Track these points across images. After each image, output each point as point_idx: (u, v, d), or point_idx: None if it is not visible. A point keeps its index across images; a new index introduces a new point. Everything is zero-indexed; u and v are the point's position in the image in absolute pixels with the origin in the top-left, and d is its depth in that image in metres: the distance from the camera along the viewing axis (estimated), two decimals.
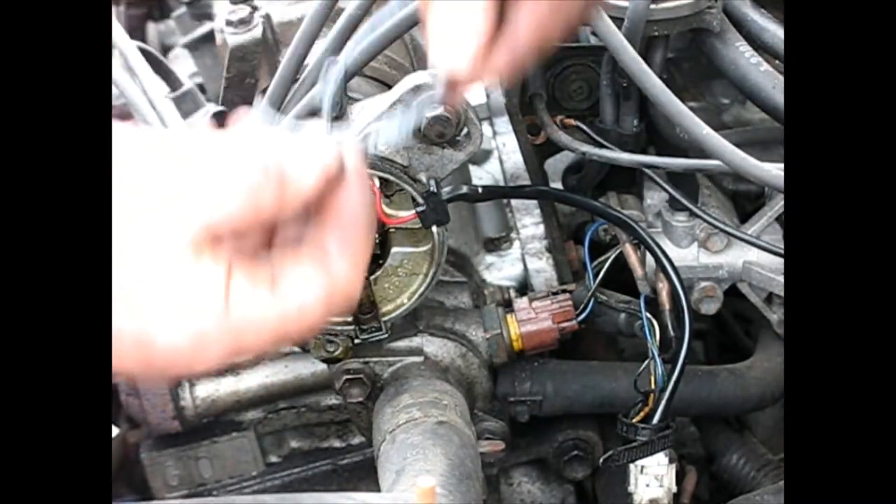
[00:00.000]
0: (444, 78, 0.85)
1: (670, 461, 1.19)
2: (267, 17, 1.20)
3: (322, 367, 1.34)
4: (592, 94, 1.29)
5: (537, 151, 1.34)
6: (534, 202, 1.36)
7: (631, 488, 1.20)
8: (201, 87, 1.61)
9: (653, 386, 1.18)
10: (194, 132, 0.91)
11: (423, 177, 1.05)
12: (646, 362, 1.19)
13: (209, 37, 1.63)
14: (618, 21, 1.14)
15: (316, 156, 0.80)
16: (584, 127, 1.27)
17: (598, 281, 1.26)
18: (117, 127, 0.83)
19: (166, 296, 0.77)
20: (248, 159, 0.79)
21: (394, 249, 1.14)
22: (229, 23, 1.17)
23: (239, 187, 0.77)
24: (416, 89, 0.99)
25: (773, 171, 1.03)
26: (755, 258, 1.29)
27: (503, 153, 1.43)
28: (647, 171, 1.26)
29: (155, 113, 1.24)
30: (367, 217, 0.83)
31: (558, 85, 1.30)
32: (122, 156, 0.81)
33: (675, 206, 1.29)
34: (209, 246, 0.77)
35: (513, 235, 1.36)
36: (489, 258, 1.36)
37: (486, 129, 1.41)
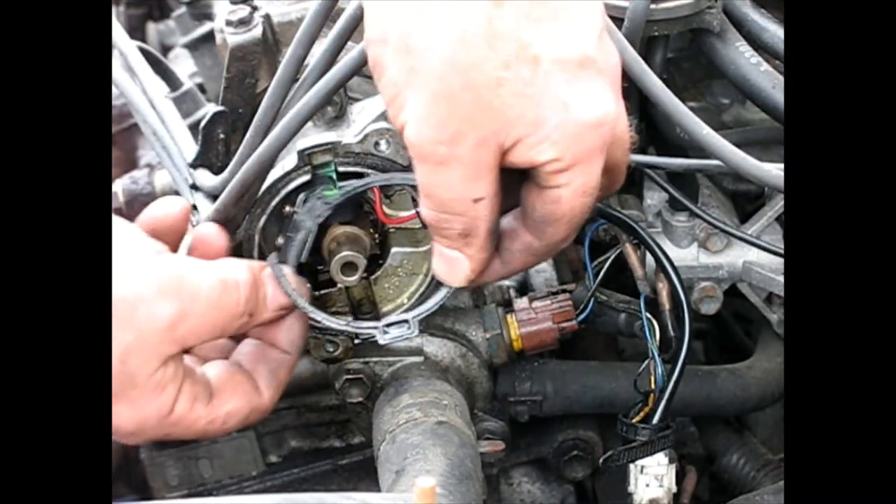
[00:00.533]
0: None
1: (670, 461, 1.19)
2: (267, 17, 1.20)
3: (322, 367, 1.34)
4: None
5: None
6: None
7: (631, 488, 1.20)
8: (201, 87, 1.62)
9: (653, 386, 1.18)
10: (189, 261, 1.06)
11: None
12: (646, 362, 1.19)
13: (209, 37, 1.64)
14: (618, 21, 1.14)
15: (278, 295, 1.07)
16: None
17: (598, 281, 1.26)
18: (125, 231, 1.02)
19: (128, 388, 1.00)
20: (231, 301, 1.03)
21: (394, 249, 1.14)
22: (229, 23, 1.17)
23: (218, 323, 1.02)
24: None
25: (773, 171, 1.03)
26: (755, 258, 1.29)
27: None
28: (647, 171, 1.26)
29: (155, 113, 1.24)
30: (297, 351, 1.12)
31: None
32: (126, 269, 0.98)
33: (675, 206, 1.29)
34: (174, 361, 1.01)
35: None
36: None
37: None
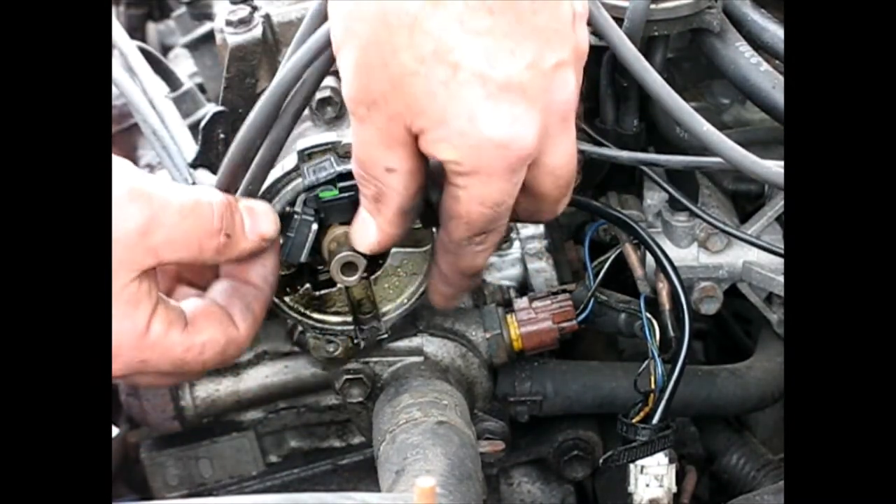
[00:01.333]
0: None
1: (670, 461, 1.19)
2: (267, 17, 1.20)
3: (322, 366, 1.34)
4: (592, 94, 1.29)
5: None
6: None
7: (631, 488, 1.20)
8: (201, 87, 1.61)
9: (653, 386, 1.18)
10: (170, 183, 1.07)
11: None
12: (646, 362, 1.19)
13: (209, 37, 1.63)
14: (618, 21, 1.13)
15: (258, 223, 1.06)
16: (585, 126, 1.27)
17: (598, 281, 1.26)
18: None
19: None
20: (205, 215, 1.01)
21: (394, 249, 1.14)
22: (229, 23, 1.17)
23: (192, 237, 1.01)
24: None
25: (773, 168, 1.03)
26: (755, 258, 1.29)
27: None
28: (647, 170, 1.26)
29: (155, 113, 1.24)
30: (271, 287, 1.10)
31: None
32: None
33: (675, 206, 1.29)
34: (147, 278, 1.00)
35: (513, 235, 1.36)
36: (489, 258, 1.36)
37: None
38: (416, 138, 0.95)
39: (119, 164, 1.00)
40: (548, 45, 0.92)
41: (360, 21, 0.91)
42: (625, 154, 1.21)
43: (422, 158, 0.97)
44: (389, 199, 1.00)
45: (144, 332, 1.00)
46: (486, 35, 0.90)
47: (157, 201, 1.00)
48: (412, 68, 0.90)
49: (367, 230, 1.04)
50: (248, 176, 1.06)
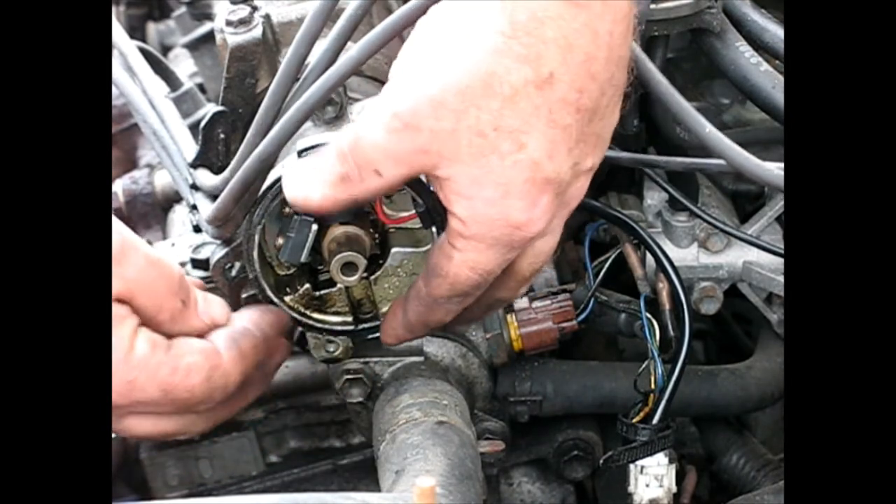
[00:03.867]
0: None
1: (670, 461, 1.19)
2: (267, 17, 1.20)
3: (322, 367, 1.34)
4: None
5: None
6: None
7: (631, 488, 1.20)
8: (201, 87, 1.62)
9: (653, 386, 1.18)
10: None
11: (423, 177, 1.05)
12: (646, 362, 1.19)
13: (209, 37, 1.63)
14: None
15: (211, 307, 1.09)
16: None
17: (598, 281, 1.26)
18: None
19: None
20: (167, 272, 1.04)
21: (394, 249, 1.14)
22: (229, 23, 1.17)
23: (156, 287, 1.02)
24: None
25: (774, 170, 1.03)
26: (755, 258, 1.29)
27: None
28: (647, 170, 1.26)
29: (155, 113, 1.24)
30: (264, 333, 1.11)
31: None
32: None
33: (675, 206, 1.29)
34: (125, 305, 1.00)
35: None
36: None
37: None
38: (431, 175, 0.96)
39: None
40: (593, 150, 0.97)
41: (464, 62, 0.91)
42: (625, 155, 1.21)
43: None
44: (353, 188, 0.99)
45: (129, 350, 1.00)
46: (560, 130, 0.92)
47: (129, 239, 1.01)
48: (483, 130, 0.92)
49: (311, 185, 1.01)
50: (245, 168, 1.06)
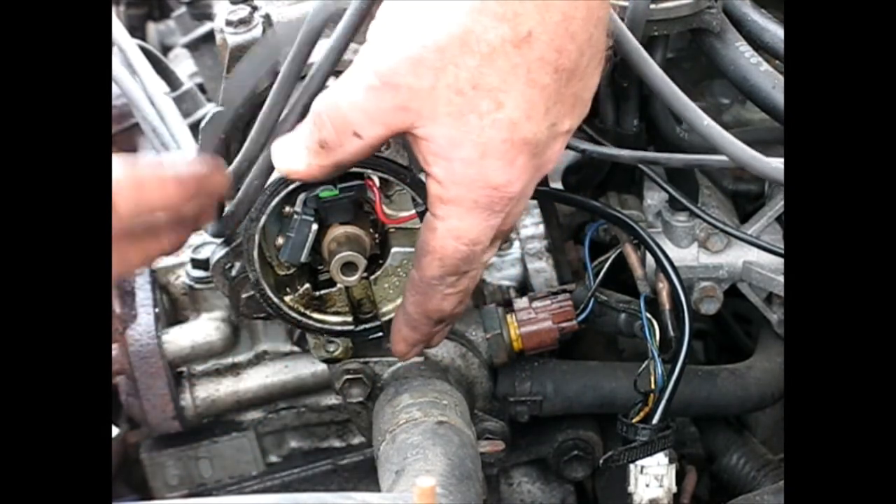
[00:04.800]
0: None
1: (670, 461, 1.19)
2: (267, 17, 1.20)
3: (322, 367, 1.34)
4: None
5: None
6: (534, 202, 1.36)
7: (631, 488, 1.20)
8: (201, 87, 1.62)
9: (653, 386, 1.18)
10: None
11: (423, 177, 1.05)
12: (646, 362, 1.19)
13: (209, 37, 1.63)
14: None
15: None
16: (585, 126, 1.27)
17: (598, 281, 1.26)
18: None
19: None
20: None
21: (394, 249, 1.14)
22: (229, 23, 1.17)
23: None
24: None
25: (774, 163, 1.03)
26: (755, 258, 1.29)
27: None
28: (646, 170, 1.26)
29: (155, 111, 1.24)
30: None
31: None
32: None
33: (675, 206, 1.29)
34: None
35: (513, 235, 1.36)
36: None
37: None
38: (409, 135, 0.95)
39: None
40: (571, 111, 0.96)
41: (442, 21, 0.91)
42: (625, 153, 1.21)
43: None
44: (335, 154, 0.98)
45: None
46: (538, 90, 0.92)
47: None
48: (461, 88, 0.91)
49: (294, 156, 1.01)
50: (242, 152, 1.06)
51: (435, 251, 1.00)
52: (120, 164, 0.96)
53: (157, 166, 1.00)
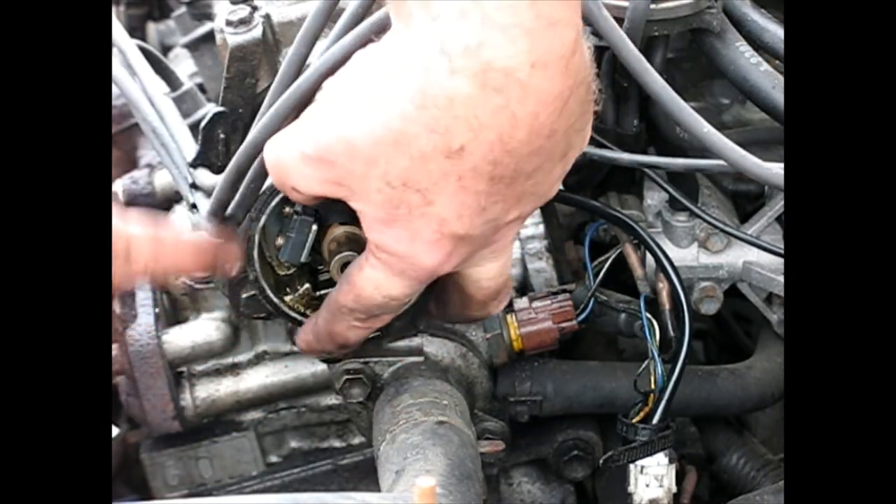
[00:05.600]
0: None
1: (670, 461, 1.19)
2: (267, 17, 1.20)
3: (322, 367, 1.34)
4: None
5: None
6: None
7: (631, 488, 1.20)
8: (201, 87, 1.61)
9: (653, 386, 1.18)
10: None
11: None
12: (646, 362, 1.19)
13: (209, 37, 1.63)
14: (618, 21, 1.13)
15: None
16: None
17: (598, 281, 1.26)
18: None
19: None
20: None
21: None
22: (229, 23, 1.17)
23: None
24: None
25: (774, 169, 1.03)
26: (755, 258, 1.29)
27: None
28: (647, 171, 1.26)
29: (155, 111, 1.24)
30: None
31: None
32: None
33: (675, 206, 1.29)
34: None
35: None
36: None
37: None
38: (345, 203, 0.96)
39: None
40: (518, 204, 0.94)
41: (380, 116, 0.89)
42: (625, 156, 1.21)
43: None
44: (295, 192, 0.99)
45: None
46: (472, 195, 0.91)
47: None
48: (391, 182, 0.90)
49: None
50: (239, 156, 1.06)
51: (354, 287, 1.01)
52: (141, 223, 0.99)
53: (177, 232, 1.04)
